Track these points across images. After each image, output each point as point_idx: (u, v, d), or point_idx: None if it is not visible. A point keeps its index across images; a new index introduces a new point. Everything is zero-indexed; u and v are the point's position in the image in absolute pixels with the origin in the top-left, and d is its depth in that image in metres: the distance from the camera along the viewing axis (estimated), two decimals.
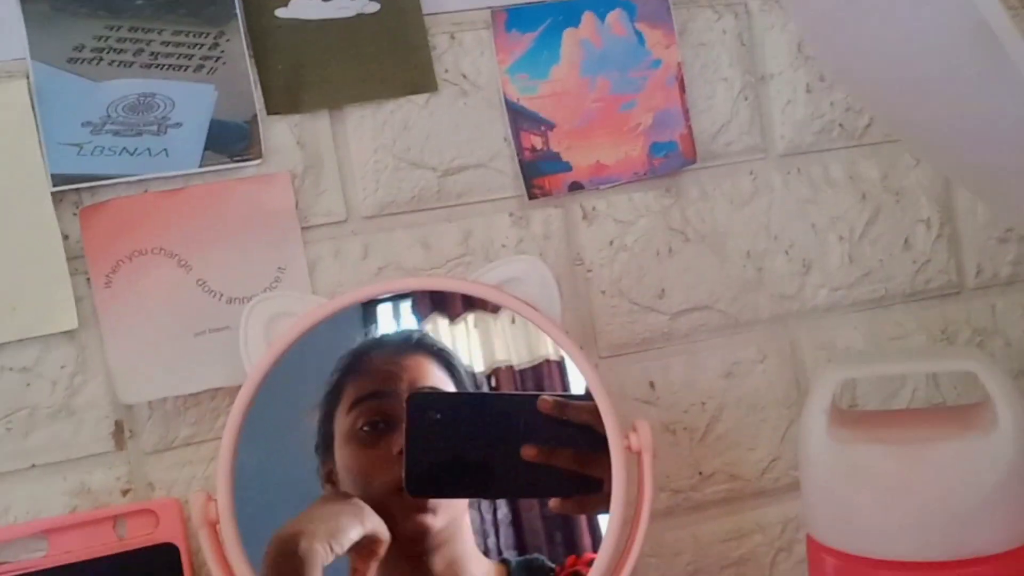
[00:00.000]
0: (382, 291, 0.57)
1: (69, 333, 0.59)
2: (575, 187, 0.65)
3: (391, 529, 0.56)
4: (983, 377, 0.46)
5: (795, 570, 0.70)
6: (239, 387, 0.56)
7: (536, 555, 0.59)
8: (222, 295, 0.61)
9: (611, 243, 0.67)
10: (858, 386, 0.70)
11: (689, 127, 0.66)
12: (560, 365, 0.58)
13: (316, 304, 0.57)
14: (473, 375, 0.59)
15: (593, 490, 0.55)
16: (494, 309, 0.58)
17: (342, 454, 0.57)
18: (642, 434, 0.56)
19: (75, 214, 0.59)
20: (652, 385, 0.68)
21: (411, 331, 0.59)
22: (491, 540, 0.59)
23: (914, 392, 0.71)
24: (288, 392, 0.58)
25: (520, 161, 0.64)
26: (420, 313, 0.59)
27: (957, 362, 0.52)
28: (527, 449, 0.55)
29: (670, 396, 0.68)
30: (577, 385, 0.58)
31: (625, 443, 0.56)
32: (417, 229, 0.64)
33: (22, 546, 0.59)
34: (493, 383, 0.59)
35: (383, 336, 0.59)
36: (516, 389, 0.59)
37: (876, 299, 0.71)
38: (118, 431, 0.61)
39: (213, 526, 0.55)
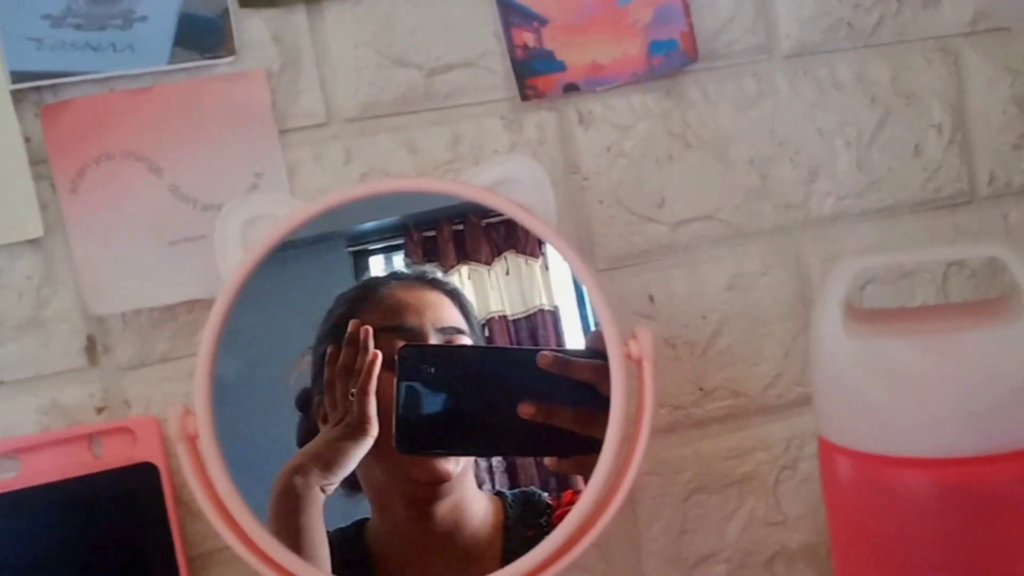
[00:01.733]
0: (368, 192, 0.54)
1: (34, 241, 0.56)
2: (570, 88, 0.62)
3: (406, 473, 0.54)
4: (1010, 263, 0.43)
5: (799, 488, 0.68)
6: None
7: (532, 488, 0.57)
8: (196, 201, 0.57)
9: (608, 149, 0.63)
10: (865, 293, 0.67)
11: (690, 24, 0.63)
12: (554, 315, 0.56)
13: (296, 206, 0.54)
14: (478, 322, 0.56)
15: (592, 450, 0.52)
16: (487, 261, 0.56)
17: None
18: (642, 341, 0.53)
19: (36, 115, 0.56)
20: (652, 299, 0.65)
21: (424, 268, 0.56)
22: (488, 474, 0.57)
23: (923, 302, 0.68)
24: (269, 303, 0.55)
25: (512, 59, 0.61)
26: (413, 263, 0.57)
27: (982, 247, 0.48)
28: (525, 406, 0.52)
29: (670, 310, 0.65)
30: (572, 339, 0.56)
31: (625, 351, 0.53)
32: (402, 132, 0.60)
33: None
34: (486, 333, 0.57)
35: (396, 271, 0.56)
36: (509, 339, 0.56)
37: (885, 208, 0.67)
38: (90, 346, 0.58)
39: (192, 440, 0.52)
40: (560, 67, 0.61)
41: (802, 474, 0.68)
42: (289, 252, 0.53)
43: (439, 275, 0.56)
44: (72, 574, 0.56)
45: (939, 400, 0.42)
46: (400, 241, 0.57)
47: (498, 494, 0.57)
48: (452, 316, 0.56)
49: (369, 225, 0.57)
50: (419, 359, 0.53)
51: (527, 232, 0.55)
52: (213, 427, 0.52)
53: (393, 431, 0.52)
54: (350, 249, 0.57)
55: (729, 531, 0.67)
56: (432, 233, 0.57)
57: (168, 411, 0.52)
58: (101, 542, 0.57)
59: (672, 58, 0.63)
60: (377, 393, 0.53)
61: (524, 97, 0.61)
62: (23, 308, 0.56)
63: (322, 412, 0.54)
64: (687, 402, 0.66)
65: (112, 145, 0.56)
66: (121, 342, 0.58)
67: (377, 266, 0.57)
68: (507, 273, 0.56)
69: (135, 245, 0.57)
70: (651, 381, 0.53)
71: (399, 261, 0.57)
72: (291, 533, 0.52)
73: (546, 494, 0.57)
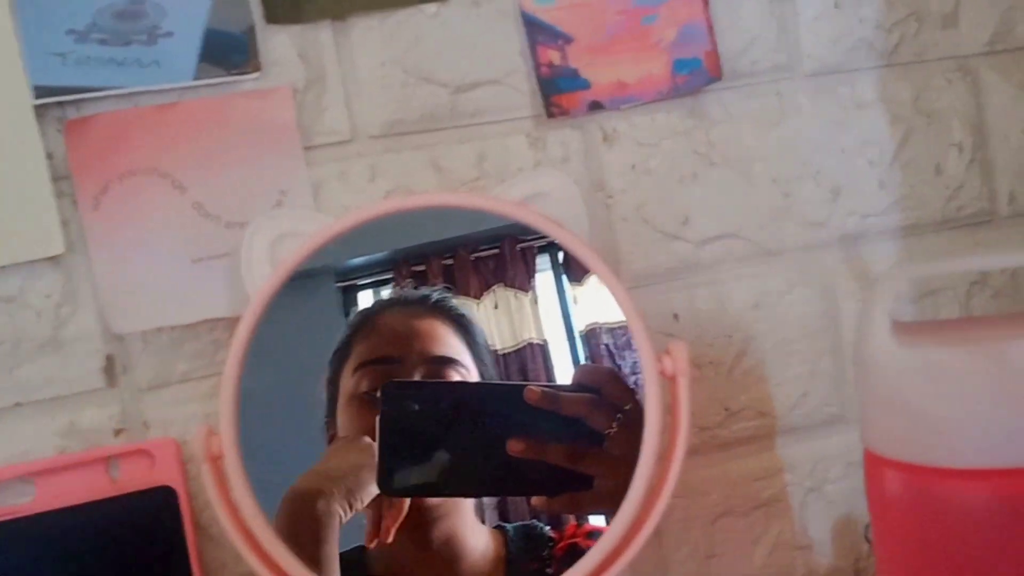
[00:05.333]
0: (398, 207, 0.53)
1: (54, 259, 0.55)
2: (595, 107, 0.61)
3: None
4: None
5: (825, 511, 0.66)
6: (239, 319, 0.51)
7: (534, 522, 0.56)
8: (220, 219, 0.57)
9: (633, 167, 0.63)
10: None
11: (714, 43, 0.63)
12: (544, 348, 0.55)
13: (324, 222, 0.53)
14: (489, 347, 0.55)
15: (584, 486, 0.51)
16: (476, 295, 0.55)
17: (343, 416, 0.54)
18: (677, 357, 0.53)
19: (59, 130, 0.55)
20: (676, 317, 0.64)
21: (430, 291, 0.55)
22: (488, 507, 0.56)
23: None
24: (297, 320, 0.54)
25: (537, 77, 0.60)
26: (420, 285, 0.56)
27: None
28: (514, 443, 0.51)
29: (695, 328, 0.64)
30: (562, 373, 0.55)
31: (659, 367, 0.52)
32: (428, 150, 0.60)
33: (7, 490, 0.54)
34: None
35: (400, 294, 0.55)
36: (498, 372, 0.55)
37: (907, 227, 0.67)
38: (109, 366, 0.56)
39: (216, 461, 0.51)
40: (585, 85, 0.61)
41: (828, 496, 0.67)
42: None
43: (446, 299, 0.55)
44: None
45: (996, 409, 0.41)
46: (389, 276, 0.56)
47: (499, 528, 0.55)
48: (447, 344, 0.54)
49: (358, 260, 0.56)
50: (401, 396, 0.51)
51: (516, 265, 0.54)
52: (238, 447, 0.51)
53: (376, 472, 0.51)
54: (339, 285, 0.56)
55: (756, 555, 0.66)
56: (421, 267, 0.56)
57: (193, 431, 0.51)
58: (118, 568, 0.55)
59: (696, 77, 0.63)
60: (369, 415, 0.52)
61: (549, 115, 0.61)
62: (42, 328, 0.55)
63: (330, 435, 0.54)
64: (713, 423, 0.65)
65: (136, 161, 0.55)
66: (141, 362, 0.57)
67: (366, 302, 0.56)
68: (496, 307, 0.55)
69: (157, 263, 0.56)
70: (686, 398, 0.53)
71: (408, 284, 0.56)
72: (312, 558, 0.51)
73: (548, 527, 0.56)
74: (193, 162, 0.56)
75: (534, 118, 0.61)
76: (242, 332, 0.51)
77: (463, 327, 0.55)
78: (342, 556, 0.53)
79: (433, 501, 0.53)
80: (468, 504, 0.55)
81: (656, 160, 0.63)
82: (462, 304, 0.55)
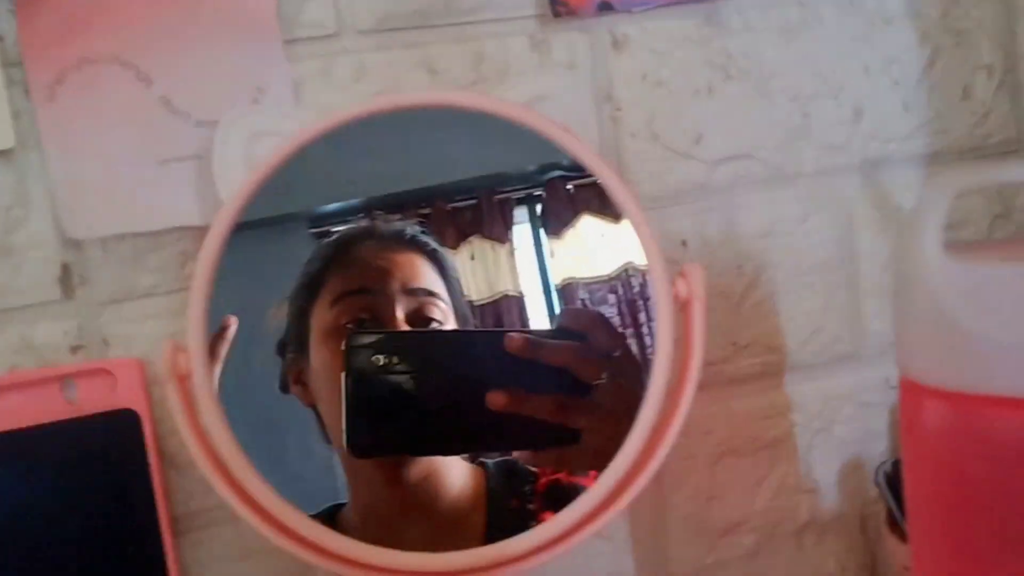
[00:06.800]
0: (388, 105, 0.48)
1: (4, 154, 0.50)
2: (604, 7, 0.56)
3: None
4: None
5: (833, 453, 0.63)
6: (209, 227, 0.46)
7: (514, 457, 0.51)
8: (190, 116, 0.51)
9: (644, 77, 0.58)
10: None
11: None
12: (520, 301, 0.51)
13: (305, 121, 0.47)
14: (461, 285, 0.51)
15: (572, 441, 0.47)
16: (453, 245, 0.51)
17: (319, 352, 0.49)
18: (692, 280, 0.48)
19: (10, 10, 0.49)
20: (684, 244, 0.60)
21: (404, 225, 0.51)
22: None
23: None
24: (268, 266, 0.50)
25: None
26: (392, 220, 0.52)
27: None
28: (494, 396, 0.46)
29: (704, 257, 0.60)
30: (539, 324, 0.52)
31: (673, 290, 0.48)
32: (420, 49, 0.54)
33: None
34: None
35: (373, 226, 0.51)
36: (475, 319, 0.51)
37: (931, 154, 0.63)
38: (65, 276, 0.51)
39: (183, 381, 0.46)
40: None
41: (837, 438, 0.63)
42: (249, 232, 0.48)
43: (419, 233, 0.51)
44: (41, 532, 0.50)
45: None
46: (364, 224, 0.52)
47: (479, 464, 0.52)
48: (426, 277, 0.51)
49: (332, 207, 0.52)
50: (366, 348, 0.47)
51: (493, 216, 0.51)
52: (208, 366, 0.46)
53: (343, 430, 0.46)
54: (312, 231, 0.52)
55: (759, 498, 0.62)
56: (397, 216, 0.52)
57: (156, 352, 0.46)
58: (74, 497, 0.51)
59: None
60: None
61: (555, 14, 0.55)
62: None
63: (297, 370, 0.50)
64: (719, 358, 0.61)
65: (96, 48, 0.50)
66: (101, 273, 0.51)
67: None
68: (472, 258, 0.52)
69: (119, 162, 0.50)
70: (701, 325, 0.48)
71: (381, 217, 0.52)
72: None
73: (533, 468, 0.52)
74: (160, 52, 0.50)
75: (538, 17, 0.56)
76: (213, 242, 0.47)
77: (438, 262, 0.51)
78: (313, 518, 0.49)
79: None
80: None
81: (669, 70, 0.58)
82: (436, 240, 0.51)
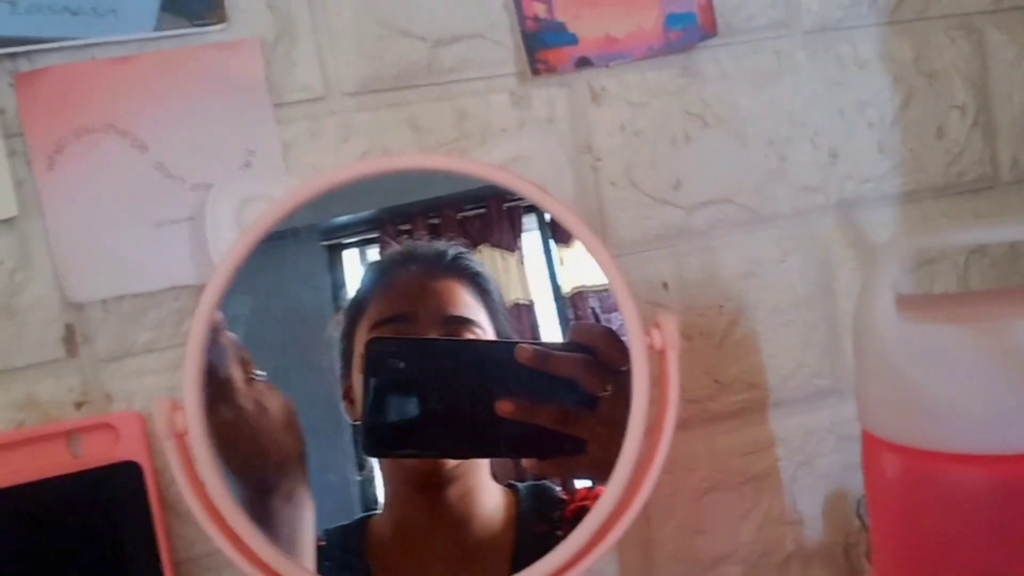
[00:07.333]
0: (371, 170, 0.49)
1: (8, 222, 0.52)
2: (583, 63, 0.58)
3: (407, 461, 0.51)
4: None
5: (816, 486, 0.65)
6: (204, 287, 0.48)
7: (545, 482, 0.54)
8: (184, 180, 0.53)
9: (622, 128, 0.60)
10: None
11: None
12: (529, 309, 0.53)
13: (294, 186, 0.50)
14: (504, 304, 0.53)
15: (576, 451, 0.49)
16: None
17: (359, 376, 0.51)
18: (666, 330, 0.50)
19: (10, 84, 0.51)
20: (665, 286, 0.61)
21: (446, 248, 0.53)
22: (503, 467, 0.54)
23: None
24: (283, 278, 0.51)
25: (521, 31, 0.57)
26: (433, 239, 0.54)
27: None
28: (503, 404, 0.48)
29: (685, 298, 0.62)
30: (548, 334, 0.53)
31: (647, 340, 0.50)
32: (405, 108, 0.57)
33: None
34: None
35: (414, 249, 0.52)
36: (514, 329, 0.53)
37: (906, 193, 0.65)
38: (69, 336, 0.53)
39: (181, 438, 0.48)
40: (572, 40, 0.58)
41: (820, 471, 0.65)
42: (262, 245, 0.49)
43: (460, 255, 0.53)
44: None
45: (1000, 392, 0.39)
46: (375, 235, 0.54)
47: (510, 486, 0.54)
48: (464, 304, 0.52)
49: (344, 219, 0.54)
50: (387, 353, 0.49)
51: (502, 225, 0.52)
52: (204, 423, 0.48)
53: (361, 430, 0.49)
54: (325, 243, 0.53)
55: (744, 531, 0.64)
56: (407, 227, 0.54)
57: (154, 406, 0.48)
58: (81, 547, 0.53)
59: (689, 32, 0.59)
60: None
61: (534, 71, 0.57)
62: None
63: (345, 387, 0.52)
64: (702, 396, 0.62)
65: (93, 118, 0.52)
66: (102, 332, 0.54)
67: (351, 260, 0.54)
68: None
69: (117, 227, 0.52)
70: (676, 373, 0.50)
71: (407, 242, 0.54)
72: None
73: (559, 488, 0.54)
74: (154, 119, 0.53)
75: (518, 75, 0.58)
76: (207, 301, 0.48)
77: (479, 285, 0.53)
78: (343, 528, 0.52)
79: (445, 464, 0.52)
80: (484, 462, 0.53)
81: (646, 120, 0.60)
82: (478, 261, 0.53)
